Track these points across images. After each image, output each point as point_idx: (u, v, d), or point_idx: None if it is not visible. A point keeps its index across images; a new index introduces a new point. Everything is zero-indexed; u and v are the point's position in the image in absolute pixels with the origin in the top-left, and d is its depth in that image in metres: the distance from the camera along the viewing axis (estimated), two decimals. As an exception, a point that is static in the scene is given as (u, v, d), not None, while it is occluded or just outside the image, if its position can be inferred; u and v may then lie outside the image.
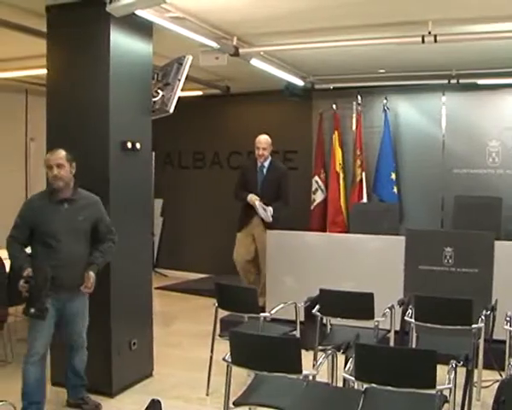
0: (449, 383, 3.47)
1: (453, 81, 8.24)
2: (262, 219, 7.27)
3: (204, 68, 7.26)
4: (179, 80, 5.70)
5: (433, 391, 3.35)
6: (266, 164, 7.52)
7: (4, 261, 5.90)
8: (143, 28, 5.42)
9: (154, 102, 5.69)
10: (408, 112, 9.12)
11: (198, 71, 7.50)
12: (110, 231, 4.84)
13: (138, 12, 4.90)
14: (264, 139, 7.51)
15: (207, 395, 5.36)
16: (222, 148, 10.62)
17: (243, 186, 7.52)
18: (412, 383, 3.27)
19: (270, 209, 7.23)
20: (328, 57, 7.37)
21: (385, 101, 8.94)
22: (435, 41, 5.65)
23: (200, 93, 9.78)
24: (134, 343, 5.46)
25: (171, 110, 5.71)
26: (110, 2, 4.53)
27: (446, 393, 3.50)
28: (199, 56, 6.28)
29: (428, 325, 4.79)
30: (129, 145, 5.26)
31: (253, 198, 7.27)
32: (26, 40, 5.92)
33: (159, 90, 5.70)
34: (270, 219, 7.22)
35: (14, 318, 6.85)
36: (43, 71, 5.69)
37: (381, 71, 8.27)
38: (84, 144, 5.23)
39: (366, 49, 6.63)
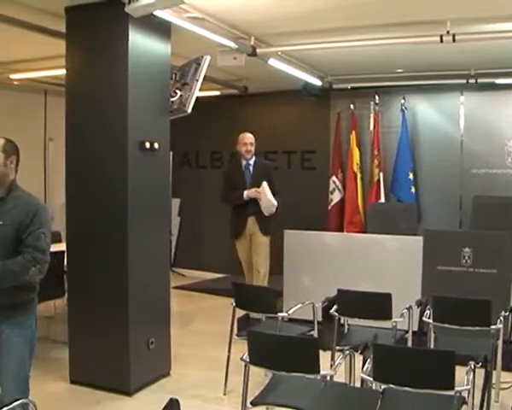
0: (467, 385, 3.45)
1: (471, 81, 8.19)
2: (258, 220, 7.16)
3: (222, 68, 7.26)
4: (197, 80, 5.71)
5: (451, 392, 3.33)
6: (252, 162, 7.37)
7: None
8: (162, 28, 5.44)
9: (172, 102, 5.71)
10: (426, 112, 9.08)
11: (216, 71, 7.50)
12: (35, 247, 3.71)
13: (157, 12, 4.92)
14: (250, 135, 7.40)
15: (225, 394, 5.37)
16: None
17: (231, 189, 7.30)
18: (430, 384, 3.26)
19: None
20: (346, 57, 7.36)
21: (403, 100, 8.91)
22: (453, 40, 5.62)
23: (217, 93, 9.80)
24: (152, 342, 5.48)
25: (190, 110, 5.72)
26: (129, 2, 4.55)
27: (465, 394, 3.48)
28: (217, 56, 6.30)
29: (446, 325, 4.77)
30: (147, 145, 5.28)
31: (251, 192, 7.10)
32: (45, 41, 5.96)
33: (177, 91, 5.72)
34: (274, 208, 7.08)
35: (33, 316, 6.89)
36: (62, 71, 5.73)
37: (399, 70, 8.24)
38: (102, 144, 5.27)
39: (384, 49, 6.61)
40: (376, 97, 9.08)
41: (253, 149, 7.31)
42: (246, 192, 7.10)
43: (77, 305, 5.51)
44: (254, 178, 7.22)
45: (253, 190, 7.08)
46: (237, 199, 7.17)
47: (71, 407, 5.06)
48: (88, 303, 5.42)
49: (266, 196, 7.00)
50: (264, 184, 7.01)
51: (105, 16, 5.15)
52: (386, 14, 5.54)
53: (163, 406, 2.68)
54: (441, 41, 5.65)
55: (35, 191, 10.02)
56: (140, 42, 5.21)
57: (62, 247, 6.38)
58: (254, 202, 7.08)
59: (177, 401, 2.76)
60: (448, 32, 5.58)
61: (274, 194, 7.08)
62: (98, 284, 5.33)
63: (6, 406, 2.79)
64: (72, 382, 5.51)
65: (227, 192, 7.32)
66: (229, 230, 7.38)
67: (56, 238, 7.99)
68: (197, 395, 5.30)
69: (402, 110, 8.92)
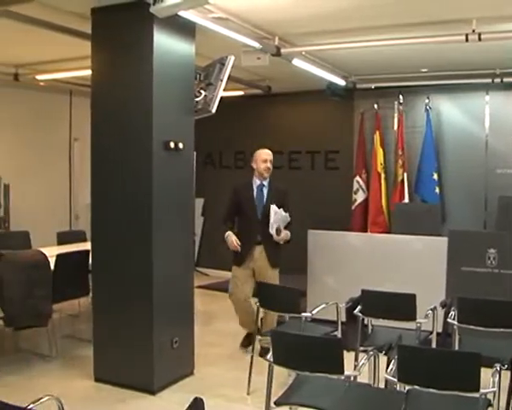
0: (493, 387, 3.42)
1: (497, 80, 8.12)
2: (267, 250, 6.25)
3: (246, 68, 7.27)
4: (221, 80, 5.72)
5: (476, 395, 3.31)
6: (266, 183, 6.42)
7: (50, 259, 6.02)
8: (186, 29, 5.45)
9: (197, 102, 5.72)
10: (450, 111, 9.02)
11: (240, 71, 7.52)
12: None
13: (181, 13, 4.93)
14: (269, 151, 6.50)
15: (248, 394, 5.37)
16: (263, 147, 10.59)
17: (236, 212, 6.42)
18: (456, 385, 3.24)
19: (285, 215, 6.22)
20: (370, 57, 7.33)
21: (427, 100, 8.86)
22: (479, 39, 5.57)
23: (241, 93, 9.82)
24: (176, 341, 5.50)
25: (214, 110, 5.73)
26: (154, 3, 4.56)
27: (490, 397, 3.45)
28: (241, 57, 6.31)
29: (472, 327, 4.74)
30: (171, 145, 5.30)
31: (232, 242, 6.20)
32: (70, 42, 6.02)
33: (201, 91, 5.74)
34: (286, 221, 6.25)
35: (58, 314, 6.99)
36: (88, 72, 5.77)
37: (424, 70, 8.20)
38: (127, 144, 5.30)
39: (408, 49, 6.58)
40: (400, 97, 9.04)
41: (271, 167, 6.42)
42: (228, 234, 6.24)
43: (101, 304, 5.55)
44: (268, 202, 6.27)
45: (234, 240, 6.19)
46: (223, 228, 6.35)
47: (96, 404, 5.09)
48: (112, 302, 5.46)
49: (275, 215, 6.14)
50: (272, 207, 6.14)
51: (130, 17, 5.18)
52: (411, 13, 5.51)
53: (187, 405, 2.69)
54: (467, 40, 5.61)
55: (60, 191, 10.24)
56: (165, 42, 5.24)
57: (87, 246, 6.43)
58: (265, 227, 6.18)
59: (201, 400, 2.77)
60: (474, 31, 5.53)
61: (287, 224, 6.28)
62: (122, 283, 5.36)
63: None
64: (97, 380, 5.55)
65: (227, 216, 6.45)
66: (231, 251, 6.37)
67: (81, 237, 8.08)
68: (221, 394, 5.31)
69: (426, 110, 8.87)
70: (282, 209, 6.12)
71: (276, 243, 6.24)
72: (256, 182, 6.39)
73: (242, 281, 6.29)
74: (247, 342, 6.39)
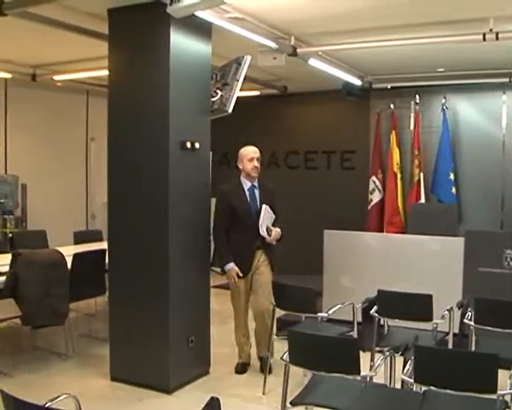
0: (510, 389, 3.41)
1: (514, 80, 8.09)
2: (266, 252, 5.80)
3: (262, 68, 7.28)
4: (238, 80, 5.73)
5: (493, 396, 3.29)
6: (256, 183, 5.86)
7: (66, 258, 6.05)
8: (202, 29, 5.47)
9: (213, 102, 5.73)
10: (467, 111, 8.99)
11: (256, 71, 7.52)
12: None
13: (198, 13, 4.95)
14: (255, 148, 5.86)
15: (264, 393, 5.37)
16: (279, 148, 10.64)
17: (230, 218, 5.71)
18: (473, 387, 3.22)
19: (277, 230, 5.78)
20: (386, 56, 7.31)
21: (443, 100, 8.83)
22: (497, 38, 5.55)
23: (257, 93, 9.82)
24: (192, 341, 5.51)
25: (230, 110, 5.74)
26: (170, 3, 4.57)
27: (507, 398, 3.44)
28: (257, 56, 6.31)
29: (488, 328, 4.71)
30: (188, 145, 5.32)
31: (232, 275, 5.67)
32: (87, 43, 6.05)
33: (217, 91, 5.75)
34: (279, 234, 5.79)
35: (75, 313, 7.03)
36: (104, 72, 5.80)
37: (440, 70, 8.17)
38: (144, 144, 5.32)
39: (425, 48, 6.56)
40: (417, 97, 9.02)
41: (259, 165, 5.84)
42: (231, 268, 5.64)
43: (118, 303, 5.58)
44: (261, 204, 5.76)
45: (235, 276, 5.65)
46: (221, 256, 5.75)
47: (113, 403, 5.12)
48: (129, 301, 5.48)
49: (263, 215, 5.69)
50: (264, 207, 5.71)
51: (147, 18, 5.20)
52: (427, 12, 5.49)
53: (203, 404, 2.69)
54: (484, 39, 5.58)
55: (77, 190, 10.29)
56: (181, 42, 5.25)
57: (103, 245, 6.46)
58: (258, 229, 5.67)
59: (217, 399, 2.78)
60: (491, 31, 5.51)
61: (274, 221, 5.81)
62: (139, 283, 5.38)
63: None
64: (113, 379, 5.58)
65: (221, 225, 5.72)
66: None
67: (97, 237, 8.12)
68: (236, 394, 5.32)
69: (443, 110, 8.85)
70: (267, 207, 5.70)
71: (270, 245, 5.80)
72: (246, 183, 5.79)
73: (243, 294, 5.78)
74: (243, 367, 5.97)
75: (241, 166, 5.82)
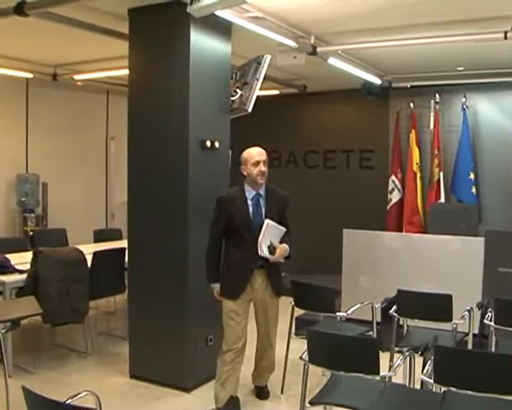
0: (531, 390, 3.38)
1: (536, 79, 8.02)
2: (269, 275, 4.89)
3: (281, 68, 7.27)
4: (257, 80, 5.73)
5: (514, 397, 3.28)
6: (262, 191, 4.91)
7: (86, 256, 6.09)
8: (222, 28, 5.48)
9: (233, 101, 5.74)
10: (488, 110, 8.92)
11: (275, 70, 7.52)
12: None
13: (218, 12, 4.95)
14: (261, 149, 4.97)
15: (282, 393, 5.38)
16: (298, 147, 10.63)
17: (225, 230, 4.83)
18: (493, 388, 3.20)
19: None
20: (406, 55, 7.28)
21: (464, 99, 8.77)
22: (518, 37, 5.52)
23: (276, 92, 9.82)
24: (210, 340, 5.53)
25: (250, 109, 5.74)
26: (191, 3, 4.58)
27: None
28: (276, 56, 6.31)
29: (509, 328, 4.69)
30: (208, 144, 5.34)
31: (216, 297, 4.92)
32: (107, 42, 6.08)
33: (237, 90, 5.75)
34: (286, 251, 4.85)
35: (94, 311, 7.07)
36: (124, 72, 5.83)
37: (460, 68, 8.11)
38: (164, 143, 5.34)
39: (445, 47, 6.53)
40: (437, 96, 8.95)
41: (266, 170, 4.90)
42: (213, 286, 4.89)
43: (137, 301, 5.61)
44: (268, 214, 4.82)
45: (216, 295, 4.92)
46: (207, 270, 4.89)
47: (132, 401, 5.15)
48: (148, 299, 5.51)
49: (266, 230, 4.70)
50: (267, 223, 4.71)
51: (167, 17, 5.22)
52: (447, 11, 5.46)
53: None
54: (505, 38, 5.54)
55: (96, 189, 10.36)
56: (201, 42, 5.27)
57: (123, 244, 6.49)
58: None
59: (237, 398, 2.80)
60: (512, 29, 5.48)
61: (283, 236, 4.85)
62: (158, 281, 5.41)
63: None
64: (132, 377, 5.62)
65: (216, 236, 4.84)
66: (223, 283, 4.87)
67: (117, 235, 8.16)
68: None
69: (463, 109, 8.78)
70: (271, 223, 4.72)
71: (276, 265, 4.90)
72: (250, 192, 4.84)
73: (242, 317, 4.87)
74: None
75: (245, 172, 4.85)
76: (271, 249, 4.70)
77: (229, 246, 4.88)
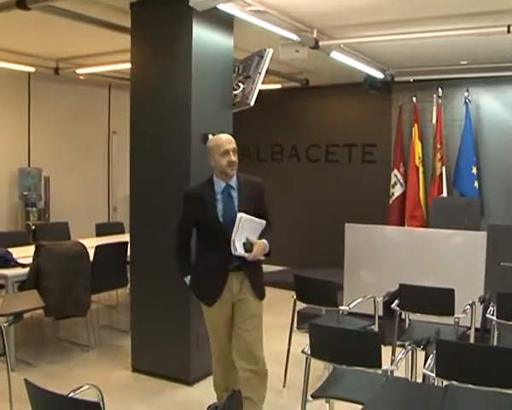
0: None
1: (539, 73, 8.00)
2: (249, 276, 4.23)
3: (283, 61, 7.27)
4: (260, 73, 5.73)
5: (516, 391, 3.28)
6: (234, 182, 4.25)
7: (88, 250, 6.09)
8: (224, 22, 5.47)
9: (235, 95, 5.73)
10: (490, 104, 8.90)
11: (277, 64, 7.51)
12: None
13: (220, 6, 4.95)
14: (229, 137, 4.31)
15: (284, 386, 5.39)
16: (300, 141, 10.61)
17: (198, 227, 4.30)
18: (495, 382, 3.20)
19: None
20: (409, 49, 7.27)
21: (466, 93, 8.75)
22: (522, 31, 5.51)
23: (279, 86, 9.81)
24: (212, 333, 5.52)
25: (252, 103, 5.74)
26: (193, -4, 4.59)
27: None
28: (279, 49, 6.30)
29: (511, 323, 4.69)
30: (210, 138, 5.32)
31: None
32: (109, 36, 6.09)
33: (239, 84, 5.75)
34: (265, 247, 4.18)
35: (97, 305, 7.08)
36: (127, 65, 5.82)
37: (463, 63, 8.10)
38: (166, 137, 5.34)
39: (448, 41, 6.51)
40: (439, 90, 8.94)
41: (236, 159, 4.24)
42: (188, 279, 4.38)
43: (139, 295, 5.61)
44: (241, 207, 4.19)
45: None
46: (180, 267, 4.44)
47: (134, 394, 5.16)
48: (150, 293, 5.51)
49: (240, 225, 4.06)
50: (239, 216, 4.06)
51: (169, 11, 5.22)
52: (450, 4, 5.44)
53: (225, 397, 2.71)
54: (508, 31, 5.54)
55: (99, 183, 10.36)
56: (203, 35, 5.26)
57: (125, 238, 6.50)
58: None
59: (239, 391, 2.79)
60: (516, 22, 5.46)
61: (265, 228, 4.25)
62: (160, 275, 5.40)
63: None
64: (134, 370, 5.63)
65: (181, 237, 4.36)
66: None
67: (119, 229, 8.17)
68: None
69: (465, 103, 8.77)
70: (245, 216, 4.08)
71: (256, 264, 4.27)
72: (219, 184, 4.22)
73: (219, 326, 4.34)
74: None
75: (212, 163, 4.23)
76: (248, 247, 4.09)
77: (200, 246, 4.32)
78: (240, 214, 4.07)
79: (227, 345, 4.32)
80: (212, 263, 4.22)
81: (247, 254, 4.09)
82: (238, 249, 4.07)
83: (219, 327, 4.32)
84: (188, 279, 4.38)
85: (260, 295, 4.31)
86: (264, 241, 4.17)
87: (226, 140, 4.23)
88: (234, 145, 4.22)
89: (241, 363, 4.23)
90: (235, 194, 4.22)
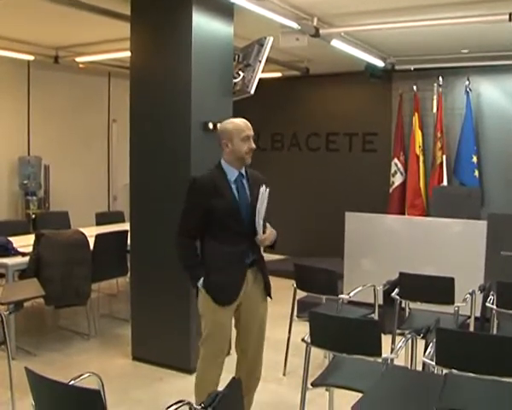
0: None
1: (540, 61, 7.98)
2: (262, 272, 4.00)
3: (284, 50, 7.25)
4: (260, 62, 5.71)
5: (516, 379, 3.28)
6: (243, 171, 3.99)
7: (89, 239, 6.09)
8: (225, 10, 5.45)
9: (235, 83, 5.72)
10: (491, 93, 8.88)
11: (278, 52, 7.49)
12: None
13: (220, -6, 4.94)
14: (248, 124, 4.00)
15: (284, 375, 5.41)
16: (301, 129, 10.60)
17: (209, 220, 3.84)
18: (495, 370, 3.21)
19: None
20: (410, 37, 7.24)
21: (467, 82, 8.73)
22: (523, 19, 5.48)
23: (279, 75, 9.78)
24: (213, 322, 5.52)
25: (252, 91, 5.72)
26: (193, -16, 4.57)
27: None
28: (279, 38, 6.28)
29: (511, 312, 4.69)
30: (210, 126, 5.32)
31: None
32: (109, 24, 6.07)
33: (240, 72, 5.73)
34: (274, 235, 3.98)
35: (97, 294, 7.09)
36: (126, 54, 5.80)
37: (464, 51, 8.08)
38: (166, 125, 5.33)
39: (449, 29, 6.50)
40: (440, 79, 8.92)
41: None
42: (199, 283, 3.86)
43: (139, 283, 5.61)
44: (253, 198, 3.88)
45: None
46: (190, 271, 3.95)
47: (135, 382, 5.17)
48: (150, 282, 5.51)
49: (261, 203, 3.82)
50: (262, 190, 3.83)
51: (169, -2, 5.20)
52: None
53: (224, 385, 2.71)
54: (510, 20, 5.51)
55: (99, 172, 10.35)
56: (203, 23, 5.24)
57: (125, 226, 6.49)
58: (252, 237, 3.87)
59: (239, 379, 2.79)
60: (517, 10, 5.44)
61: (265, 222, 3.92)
62: (161, 263, 5.40)
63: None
64: (135, 358, 5.64)
65: (190, 224, 3.89)
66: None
67: (119, 218, 8.16)
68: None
69: (466, 92, 8.75)
70: (267, 191, 3.86)
71: (263, 258, 4.07)
72: (232, 172, 3.90)
73: (227, 330, 4.00)
74: None
75: (228, 148, 3.90)
76: (264, 229, 3.87)
77: (213, 241, 3.88)
78: (262, 188, 3.81)
79: (226, 344, 4.05)
80: (229, 257, 3.85)
81: (261, 233, 3.84)
82: (261, 222, 3.81)
83: (227, 326, 3.96)
84: (200, 283, 3.85)
85: (268, 293, 4.07)
86: (273, 230, 3.96)
87: (247, 125, 3.94)
88: (253, 132, 3.95)
89: (250, 370, 4.05)
90: (246, 183, 3.94)
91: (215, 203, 3.79)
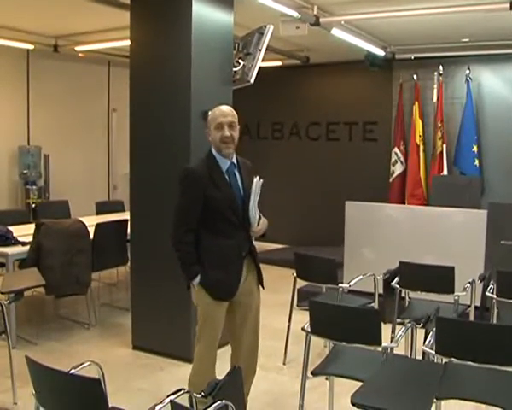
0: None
1: (541, 50, 7.96)
2: (255, 263, 3.92)
3: (284, 38, 7.22)
4: (260, 50, 5.69)
5: (515, 368, 3.29)
6: (235, 159, 3.87)
7: (89, 228, 6.09)
8: (225, -2, 5.44)
9: (235, 72, 5.70)
10: (492, 82, 8.86)
11: (278, 41, 7.47)
12: None
13: (220, -18, 4.92)
14: (229, 110, 3.84)
15: (284, 364, 5.41)
16: (301, 118, 10.58)
17: (205, 212, 3.71)
18: (495, 359, 3.21)
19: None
20: (410, 26, 7.22)
21: (468, 71, 8.70)
22: (524, 8, 5.46)
23: (279, 64, 9.76)
24: (213, 311, 5.53)
25: (252, 80, 5.70)
26: (193, -28, 4.55)
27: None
28: (279, 26, 6.27)
29: (511, 301, 4.69)
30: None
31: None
32: (108, 12, 6.05)
33: (240, 60, 5.71)
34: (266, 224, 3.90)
35: (97, 283, 7.10)
36: (126, 43, 5.78)
37: (465, 40, 8.05)
38: (166, 114, 5.32)
39: (449, 18, 6.47)
40: (440, 68, 8.90)
41: (235, 134, 3.78)
42: (196, 281, 3.77)
43: (139, 273, 5.61)
44: (245, 187, 3.82)
45: None
46: (187, 266, 3.82)
47: (135, 371, 5.18)
48: (150, 271, 5.51)
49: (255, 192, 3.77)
50: (256, 180, 3.76)
51: (169, -13, 5.18)
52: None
53: (224, 373, 2.71)
54: (510, 8, 5.49)
55: (98, 161, 10.35)
56: (203, 12, 5.22)
57: (125, 215, 6.49)
58: (248, 229, 3.82)
59: (239, 368, 2.80)
60: (518, -1, 5.42)
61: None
62: (161, 253, 5.40)
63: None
64: (135, 347, 5.65)
65: (188, 217, 3.75)
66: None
67: (119, 208, 8.17)
68: (257, 364, 5.35)
69: (467, 81, 8.72)
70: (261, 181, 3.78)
71: (254, 247, 3.99)
72: (224, 162, 3.77)
73: (221, 322, 3.92)
74: None
75: (209, 137, 3.79)
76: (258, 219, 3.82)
77: (209, 235, 3.76)
78: (256, 178, 3.74)
79: (219, 333, 3.92)
80: (227, 251, 3.76)
81: (255, 224, 3.79)
82: (256, 215, 3.76)
83: (221, 318, 3.88)
84: (197, 280, 3.76)
85: (261, 283, 3.98)
86: (265, 219, 3.88)
87: (221, 112, 3.75)
88: (230, 119, 3.73)
89: (247, 361, 3.97)
90: (237, 173, 3.83)
91: (213, 194, 3.67)
